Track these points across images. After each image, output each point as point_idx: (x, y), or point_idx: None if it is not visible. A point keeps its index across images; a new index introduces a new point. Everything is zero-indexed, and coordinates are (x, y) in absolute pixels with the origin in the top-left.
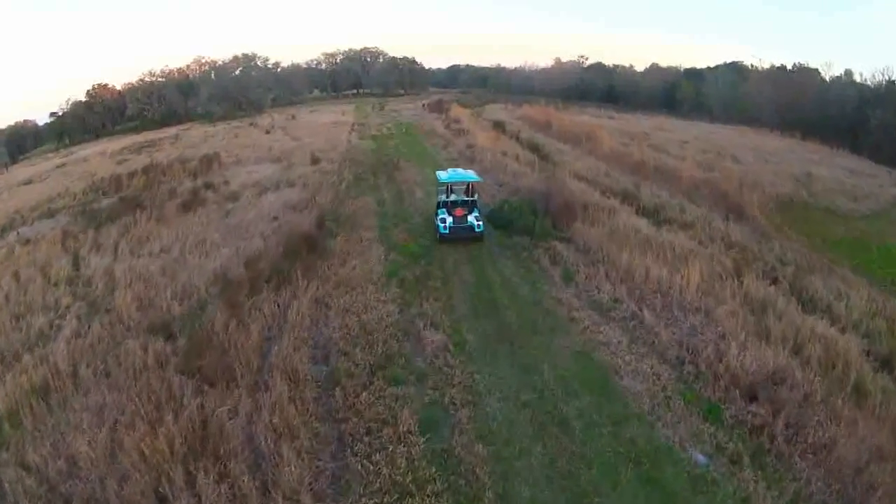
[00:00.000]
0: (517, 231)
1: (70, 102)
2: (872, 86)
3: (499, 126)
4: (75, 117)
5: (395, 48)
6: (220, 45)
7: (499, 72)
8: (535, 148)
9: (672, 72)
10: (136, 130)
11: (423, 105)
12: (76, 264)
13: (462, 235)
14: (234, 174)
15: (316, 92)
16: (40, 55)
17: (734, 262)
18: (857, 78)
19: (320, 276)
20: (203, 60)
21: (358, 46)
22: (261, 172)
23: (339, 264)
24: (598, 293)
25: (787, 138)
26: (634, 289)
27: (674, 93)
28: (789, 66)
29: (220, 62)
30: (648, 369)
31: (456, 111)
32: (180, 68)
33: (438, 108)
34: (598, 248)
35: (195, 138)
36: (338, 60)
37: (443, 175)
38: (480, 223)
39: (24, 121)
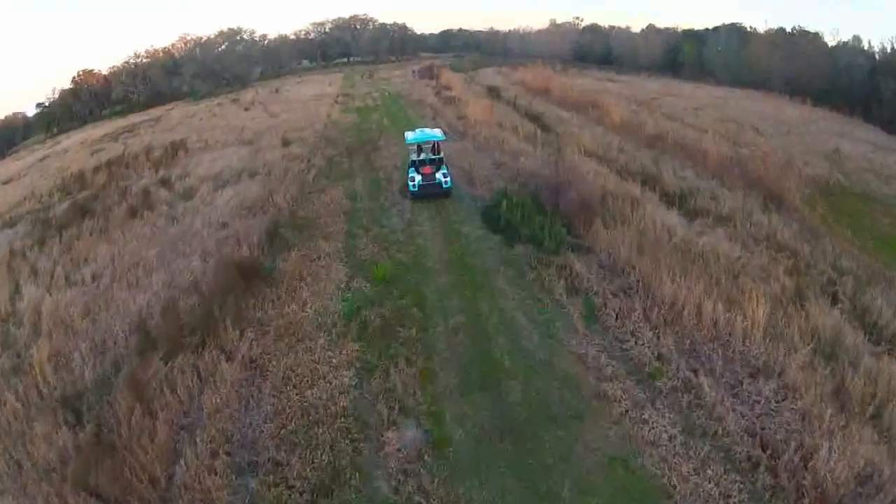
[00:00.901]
0: (521, 238)
1: (56, 91)
2: (879, 55)
3: (493, 92)
4: (62, 106)
5: (386, 14)
6: (207, 21)
7: (492, 35)
8: (534, 117)
9: (672, 34)
10: (122, 114)
11: (413, 72)
12: (14, 296)
13: (431, 192)
14: (198, 163)
15: (305, 63)
16: (28, 46)
17: (791, 276)
18: (866, 45)
19: (258, 322)
20: (188, 38)
21: (347, 14)
22: (226, 159)
23: (287, 298)
24: (636, 344)
25: (799, 105)
26: (684, 336)
27: (675, 55)
28: (788, 29)
29: (206, 38)
30: (712, 486)
31: (447, 77)
32: (165, 48)
33: (429, 74)
34: (628, 265)
35: (174, 120)
36: (327, 29)
37: (410, 136)
38: (448, 179)
39: (14, 113)
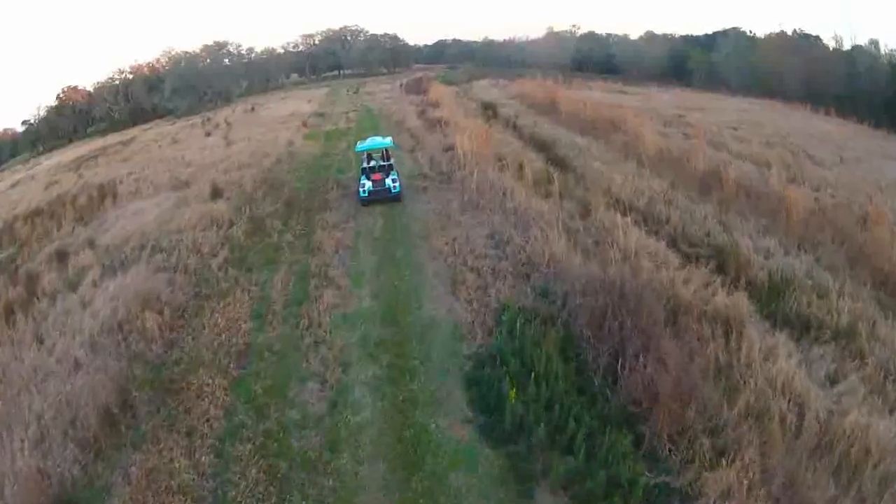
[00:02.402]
0: (549, 469)
1: (41, 108)
2: None
3: (489, 110)
4: (47, 123)
5: (379, 26)
6: (199, 36)
7: (487, 45)
8: (543, 145)
9: (676, 39)
10: (103, 133)
11: (402, 85)
12: None
13: (381, 197)
14: (115, 219)
15: (294, 77)
16: (22, 59)
17: None
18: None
19: None
20: (172, 52)
21: (337, 25)
22: (143, 217)
23: None
24: None
25: (826, 117)
26: None
27: (682, 62)
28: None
29: (190, 53)
30: None
31: (436, 92)
32: (150, 63)
33: (416, 88)
34: None
35: (140, 145)
36: (316, 42)
37: (360, 145)
38: (397, 185)
39: (4, 130)
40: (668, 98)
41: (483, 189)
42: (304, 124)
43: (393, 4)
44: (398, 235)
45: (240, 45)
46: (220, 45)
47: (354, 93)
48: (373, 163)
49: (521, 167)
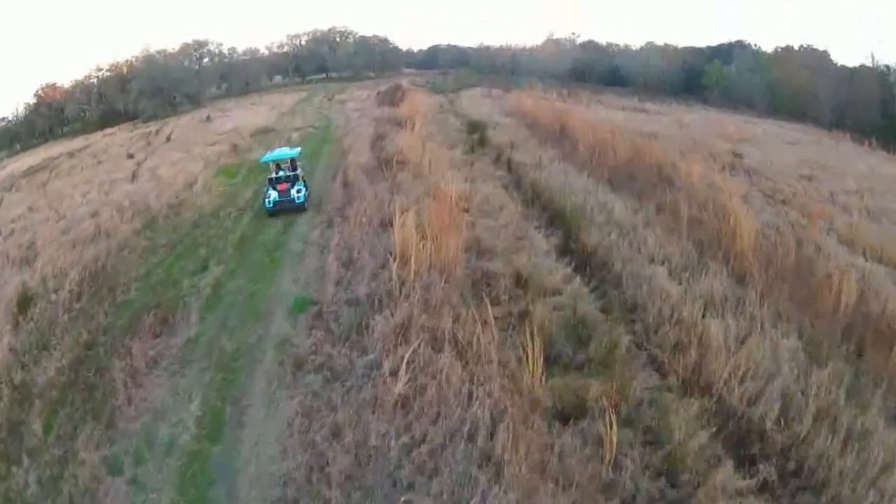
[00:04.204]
0: None
1: (19, 106)
2: None
3: (476, 133)
4: (25, 122)
5: (370, 28)
6: (181, 34)
7: (482, 52)
8: (556, 215)
9: (688, 51)
10: (76, 134)
11: (379, 93)
12: None
13: (286, 207)
14: None
15: (278, 79)
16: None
17: None
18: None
19: None
20: (150, 51)
21: (326, 26)
22: None
23: None
24: None
25: (874, 150)
26: None
27: (696, 76)
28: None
29: (167, 51)
30: None
31: (412, 105)
32: (127, 60)
33: (391, 98)
34: None
35: (90, 152)
36: (302, 42)
37: (266, 155)
38: (300, 194)
39: None
40: (697, 121)
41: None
42: (234, 148)
43: (385, 7)
44: None
45: (221, 45)
46: (200, 44)
47: (329, 100)
48: (280, 173)
49: (525, 318)
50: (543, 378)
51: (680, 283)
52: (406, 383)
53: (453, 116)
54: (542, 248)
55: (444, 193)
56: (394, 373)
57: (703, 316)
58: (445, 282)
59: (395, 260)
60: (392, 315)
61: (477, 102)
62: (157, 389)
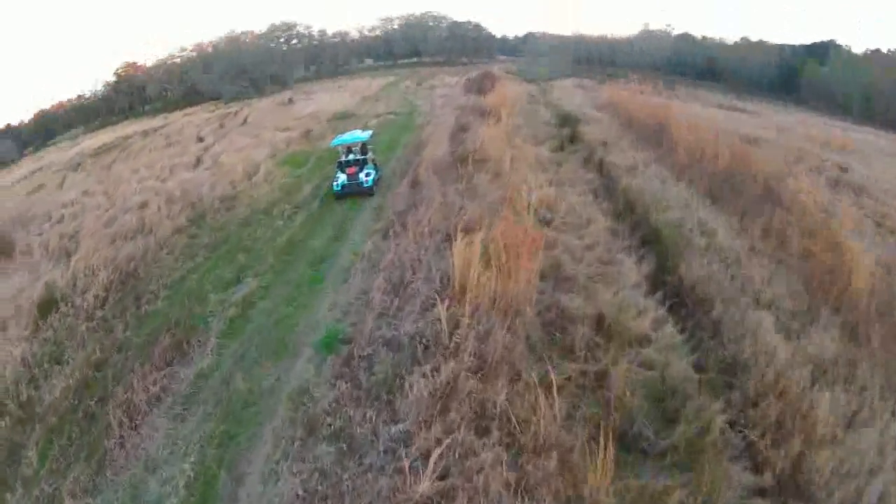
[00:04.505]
0: None
1: (98, 82)
2: None
3: (567, 125)
4: (104, 99)
5: (463, 13)
6: (269, 16)
7: (578, 41)
8: (652, 234)
9: (785, 48)
10: (157, 113)
11: (468, 79)
12: None
13: (353, 191)
14: None
15: (369, 62)
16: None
17: None
18: None
19: None
20: (237, 32)
21: (419, 11)
22: None
23: None
24: None
25: None
26: None
27: (792, 74)
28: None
29: (253, 32)
30: None
31: (501, 93)
32: (212, 42)
33: (480, 86)
34: None
35: (164, 133)
36: (395, 26)
37: (338, 139)
38: (369, 178)
39: (59, 103)
40: (796, 124)
41: None
42: (306, 134)
43: None
44: None
45: (310, 27)
46: (289, 26)
47: (417, 85)
48: (350, 156)
49: (602, 381)
50: (613, 475)
51: (788, 338)
52: (435, 480)
53: (544, 108)
54: (632, 279)
55: (522, 203)
56: (425, 455)
57: (812, 385)
58: (508, 328)
59: (448, 292)
60: (435, 373)
61: (569, 93)
62: (154, 434)
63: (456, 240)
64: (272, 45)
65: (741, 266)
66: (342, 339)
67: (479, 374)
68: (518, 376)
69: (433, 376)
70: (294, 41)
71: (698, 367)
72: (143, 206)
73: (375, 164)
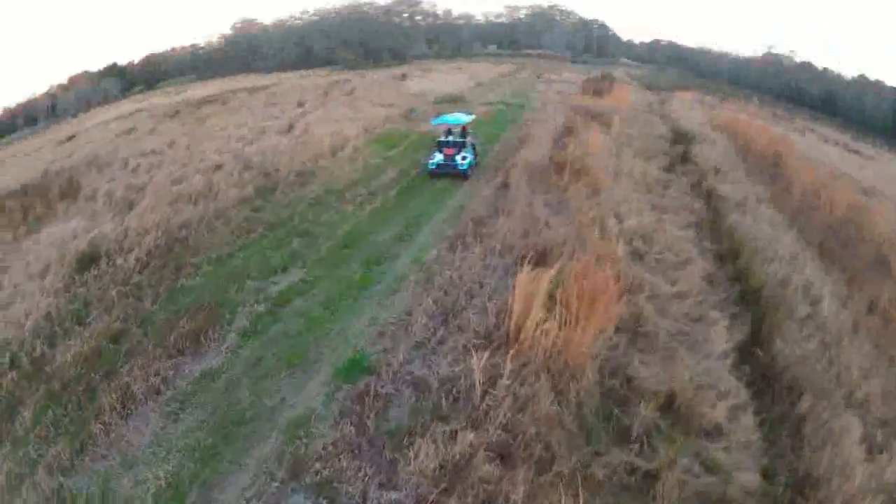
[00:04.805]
0: None
1: (213, 36)
2: None
3: (681, 142)
4: (218, 51)
5: (591, 11)
6: None
7: (702, 54)
8: (751, 293)
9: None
10: (271, 70)
11: (587, 79)
12: None
13: (448, 172)
14: None
15: (492, 48)
16: None
17: None
18: None
19: None
20: (360, 1)
21: (546, 3)
22: None
23: None
24: None
25: None
26: None
27: None
28: None
29: (378, 4)
30: None
31: (618, 97)
32: (336, 7)
33: (597, 87)
34: None
35: (269, 92)
36: (521, 16)
37: (440, 118)
38: (465, 161)
39: (172, 48)
40: None
41: None
42: (406, 114)
43: None
44: None
45: (435, 5)
46: (414, 2)
47: (537, 77)
48: (450, 137)
49: (652, 485)
50: None
51: (869, 452)
52: None
53: (660, 119)
54: (719, 347)
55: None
56: None
57: None
58: (558, 394)
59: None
60: (450, 440)
61: (688, 108)
62: (142, 429)
63: (522, 269)
64: (396, 18)
65: (841, 348)
66: (366, 369)
67: (501, 457)
68: (550, 464)
69: (447, 445)
70: (418, 17)
71: (768, 475)
72: (218, 168)
73: (475, 149)
